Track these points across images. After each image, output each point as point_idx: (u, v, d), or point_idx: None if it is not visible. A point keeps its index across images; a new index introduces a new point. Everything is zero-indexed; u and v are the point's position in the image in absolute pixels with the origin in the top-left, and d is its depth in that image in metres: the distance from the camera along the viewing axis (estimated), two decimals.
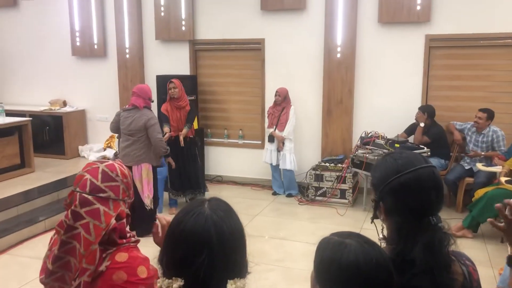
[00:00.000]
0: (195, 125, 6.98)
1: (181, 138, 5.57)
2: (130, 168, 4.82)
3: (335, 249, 1.14)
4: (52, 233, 1.63)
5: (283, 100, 6.30)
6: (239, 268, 1.16)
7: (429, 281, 1.24)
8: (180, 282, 1.10)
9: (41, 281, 1.50)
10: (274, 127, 6.33)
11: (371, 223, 1.46)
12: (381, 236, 1.41)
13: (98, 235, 1.44)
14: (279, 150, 6.34)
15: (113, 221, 1.48)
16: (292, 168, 6.33)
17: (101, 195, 1.48)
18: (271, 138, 6.37)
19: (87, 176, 1.50)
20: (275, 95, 6.32)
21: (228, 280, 1.12)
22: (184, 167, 5.74)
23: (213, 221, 1.13)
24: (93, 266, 1.43)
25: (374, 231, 1.47)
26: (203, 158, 7.22)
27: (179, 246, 1.13)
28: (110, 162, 1.58)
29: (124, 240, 1.53)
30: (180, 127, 5.66)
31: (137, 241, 1.58)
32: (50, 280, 1.45)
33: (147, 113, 4.93)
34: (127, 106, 5.11)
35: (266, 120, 6.49)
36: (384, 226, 1.41)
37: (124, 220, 1.55)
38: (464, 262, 1.35)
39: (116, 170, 1.54)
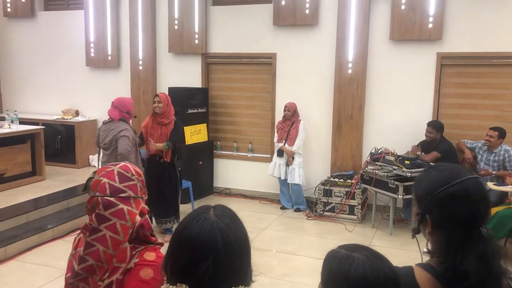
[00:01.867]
0: (204, 137, 7.04)
1: (152, 147, 4.97)
2: None
3: (342, 263, 1.14)
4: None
5: (292, 114, 6.33)
6: (243, 276, 1.15)
7: None
8: None
9: (67, 280, 1.53)
10: (284, 141, 6.35)
11: (413, 237, 1.43)
12: (425, 249, 1.39)
13: (126, 233, 1.49)
14: (288, 164, 6.34)
15: (138, 218, 1.52)
16: (300, 182, 6.32)
17: (122, 195, 1.52)
18: (280, 153, 6.38)
19: (104, 179, 1.54)
20: (284, 110, 6.35)
21: (233, 287, 1.12)
22: (159, 194, 5.10)
23: (219, 228, 1.13)
24: (125, 264, 1.48)
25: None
26: (212, 170, 7.24)
27: (184, 252, 1.13)
28: (122, 163, 1.61)
29: (153, 238, 1.58)
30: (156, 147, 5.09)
31: (161, 244, 1.61)
32: (75, 280, 1.49)
33: (121, 125, 4.73)
34: (106, 119, 4.90)
35: (276, 135, 6.51)
36: (429, 239, 1.38)
37: (147, 216, 1.59)
38: (510, 277, 1.33)
39: (131, 170, 1.58)
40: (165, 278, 1.17)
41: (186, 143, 6.68)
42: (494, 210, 4.92)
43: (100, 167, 4.86)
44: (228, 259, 1.11)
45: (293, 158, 6.31)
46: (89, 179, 1.55)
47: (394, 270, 1.15)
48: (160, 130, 5.12)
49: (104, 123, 4.88)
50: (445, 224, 1.31)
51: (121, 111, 4.77)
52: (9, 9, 8.37)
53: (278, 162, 6.43)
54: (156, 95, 5.22)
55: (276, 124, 6.62)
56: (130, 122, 5.06)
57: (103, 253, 1.46)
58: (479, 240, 1.28)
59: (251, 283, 1.18)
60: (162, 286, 1.16)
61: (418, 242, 1.43)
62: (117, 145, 4.66)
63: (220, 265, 1.10)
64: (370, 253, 1.16)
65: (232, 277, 1.12)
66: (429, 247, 1.38)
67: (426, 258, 1.38)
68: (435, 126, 5.82)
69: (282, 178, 6.41)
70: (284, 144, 6.34)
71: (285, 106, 6.36)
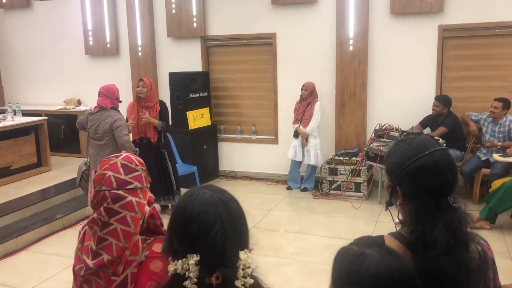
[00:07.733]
0: (208, 121, 7.02)
1: (146, 116, 5.12)
2: None
3: (353, 260, 1.10)
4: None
5: (309, 94, 6.22)
6: (246, 240, 1.22)
7: (450, 260, 1.25)
8: (196, 257, 1.12)
9: (77, 272, 1.53)
10: (299, 122, 6.30)
11: (386, 209, 1.48)
12: (397, 220, 1.43)
13: (137, 225, 1.49)
14: (303, 146, 6.31)
15: (147, 208, 1.53)
16: (315, 163, 6.28)
17: (129, 187, 1.52)
18: (296, 134, 6.33)
19: (109, 173, 1.52)
20: (302, 89, 6.26)
21: (240, 251, 1.16)
22: (152, 173, 5.03)
23: (218, 197, 1.19)
24: (138, 257, 1.48)
25: (390, 223, 1.47)
26: (217, 154, 7.25)
27: (190, 225, 1.15)
28: (124, 154, 1.60)
29: (163, 228, 1.58)
30: (144, 129, 5.27)
31: None
32: (86, 274, 1.49)
33: (113, 114, 4.66)
34: (91, 109, 4.85)
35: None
36: (400, 210, 1.42)
37: (154, 205, 1.60)
38: (479, 241, 1.37)
39: (134, 161, 1.58)
40: (169, 259, 1.18)
41: (190, 128, 6.70)
42: (500, 182, 4.92)
43: (88, 158, 4.81)
44: (232, 224, 1.17)
45: (307, 139, 6.27)
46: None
47: (412, 270, 1.12)
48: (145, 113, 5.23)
49: (91, 113, 4.74)
50: (415, 195, 1.34)
51: (111, 99, 4.68)
52: (4, 0, 8.30)
53: (294, 143, 6.38)
54: (141, 80, 5.28)
55: (279, 104, 6.58)
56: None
57: (116, 247, 1.46)
58: (447, 210, 1.31)
59: (252, 248, 1.24)
60: (169, 266, 1.16)
61: (391, 213, 1.47)
62: (114, 134, 4.62)
63: (227, 230, 1.15)
64: (384, 250, 1.11)
65: (238, 241, 1.18)
66: (400, 218, 1.42)
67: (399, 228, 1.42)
68: (442, 100, 5.78)
69: (299, 159, 6.37)
70: (299, 126, 6.31)
71: (303, 86, 6.24)
